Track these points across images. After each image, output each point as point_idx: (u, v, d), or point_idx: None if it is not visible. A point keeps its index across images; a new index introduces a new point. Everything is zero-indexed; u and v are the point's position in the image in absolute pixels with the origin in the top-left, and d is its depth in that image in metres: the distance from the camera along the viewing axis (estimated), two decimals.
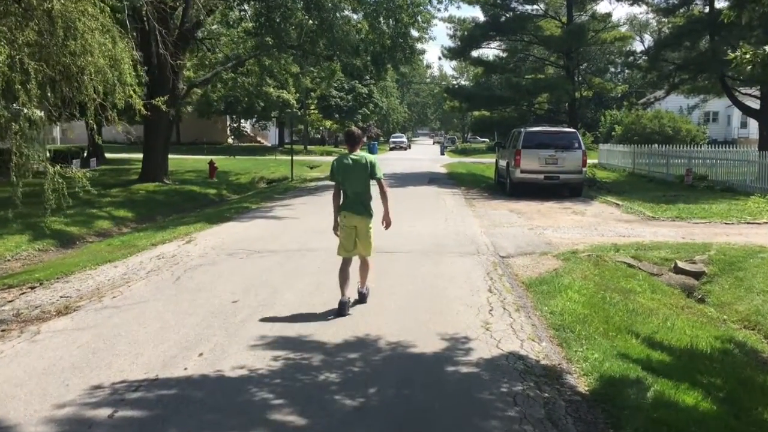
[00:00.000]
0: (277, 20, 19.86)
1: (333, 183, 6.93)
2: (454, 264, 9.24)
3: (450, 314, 6.67)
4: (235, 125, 54.38)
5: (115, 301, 7.10)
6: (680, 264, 9.67)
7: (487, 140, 71.53)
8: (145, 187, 21.78)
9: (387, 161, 40.28)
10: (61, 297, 7.47)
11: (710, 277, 9.53)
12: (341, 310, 6.53)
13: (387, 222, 7.04)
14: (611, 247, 10.60)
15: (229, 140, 60.17)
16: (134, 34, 22.00)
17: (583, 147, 19.05)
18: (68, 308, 6.88)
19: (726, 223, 13.53)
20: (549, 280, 8.30)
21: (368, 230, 6.83)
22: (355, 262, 6.97)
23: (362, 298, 7.00)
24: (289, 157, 31.05)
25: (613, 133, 41.03)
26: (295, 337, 5.84)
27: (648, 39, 66.71)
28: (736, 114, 57.18)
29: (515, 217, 14.43)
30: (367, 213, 6.81)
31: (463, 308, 6.88)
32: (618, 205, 16.67)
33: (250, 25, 22.63)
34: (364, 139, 7.58)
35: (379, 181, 6.83)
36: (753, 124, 54.13)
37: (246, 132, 58.96)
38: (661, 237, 11.76)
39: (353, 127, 8.20)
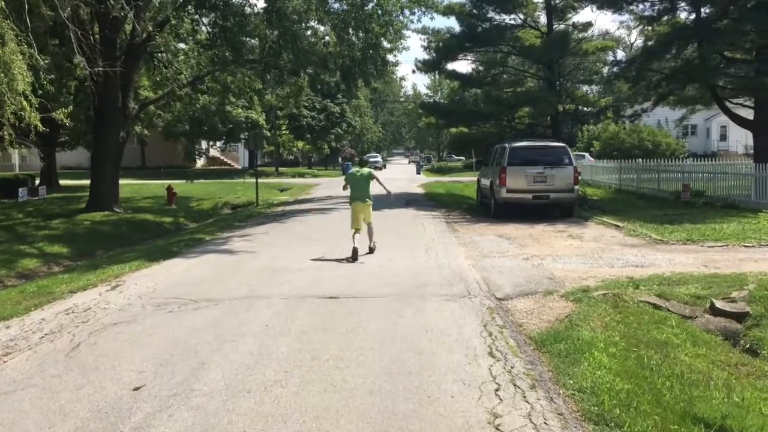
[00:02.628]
0: (234, 30, 17.95)
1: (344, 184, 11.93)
2: (441, 312, 7.31)
3: (442, 400, 4.73)
4: (198, 147, 51.53)
5: None
6: (718, 304, 7.83)
7: (464, 158, 70.05)
8: (92, 216, 19.62)
9: None
10: None
11: (756, 319, 7.69)
12: (354, 256, 10.69)
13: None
14: (628, 282, 8.77)
15: (199, 163, 57.67)
16: (81, 47, 19.96)
17: (574, 163, 17.34)
18: None
19: (746, 246, 11.81)
20: (564, 333, 6.41)
21: (369, 209, 11.55)
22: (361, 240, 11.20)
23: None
24: (259, 181, 28.95)
25: (591, 148, 39.62)
26: None
27: (621, 54, 66.04)
28: (715, 127, 56.67)
29: (506, 244, 12.57)
30: (369, 200, 11.55)
31: (458, 388, 4.95)
32: (617, 226, 14.90)
33: (204, 37, 20.65)
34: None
35: (376, 177, 11.75)
36: (732, 137, 53.64)
37: (205, 154, 56.04)
38: (679, 266, 9.98)
39: (361, 158, 12.52)
